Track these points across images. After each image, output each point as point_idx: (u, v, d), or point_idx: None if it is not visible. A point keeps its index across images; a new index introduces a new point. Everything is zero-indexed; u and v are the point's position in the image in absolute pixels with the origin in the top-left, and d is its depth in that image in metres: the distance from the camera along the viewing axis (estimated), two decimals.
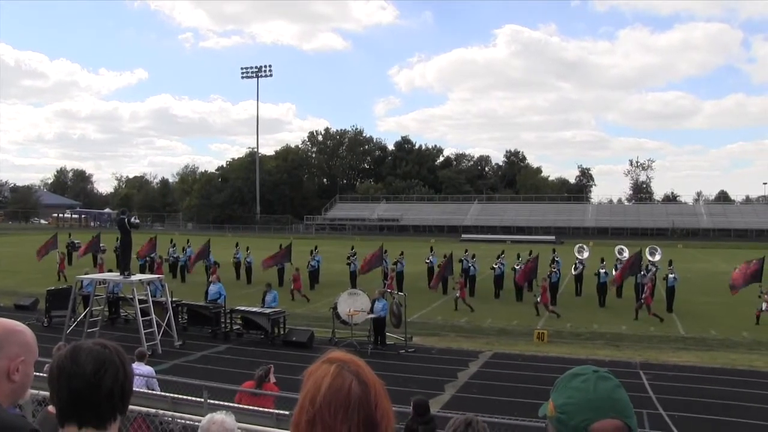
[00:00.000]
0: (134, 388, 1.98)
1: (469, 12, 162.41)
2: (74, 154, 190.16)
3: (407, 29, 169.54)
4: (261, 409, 8.74)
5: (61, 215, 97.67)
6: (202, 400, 8.68)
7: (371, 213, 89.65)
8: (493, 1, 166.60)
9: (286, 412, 8.29)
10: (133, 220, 18.20)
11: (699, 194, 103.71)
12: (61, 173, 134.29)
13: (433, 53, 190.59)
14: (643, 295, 22.08)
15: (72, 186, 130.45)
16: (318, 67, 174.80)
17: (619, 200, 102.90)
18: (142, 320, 16.53)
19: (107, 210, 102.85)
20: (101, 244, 34.97)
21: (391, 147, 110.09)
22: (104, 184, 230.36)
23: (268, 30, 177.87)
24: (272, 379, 9.69)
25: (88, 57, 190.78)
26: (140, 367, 10.17)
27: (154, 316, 16.95)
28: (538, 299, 22.37)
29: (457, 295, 23.64)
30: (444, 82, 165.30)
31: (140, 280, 18.01)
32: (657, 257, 26.91)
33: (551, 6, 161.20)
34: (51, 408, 1.92)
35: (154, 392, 9.73)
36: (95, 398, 1.76)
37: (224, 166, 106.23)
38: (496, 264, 28.06)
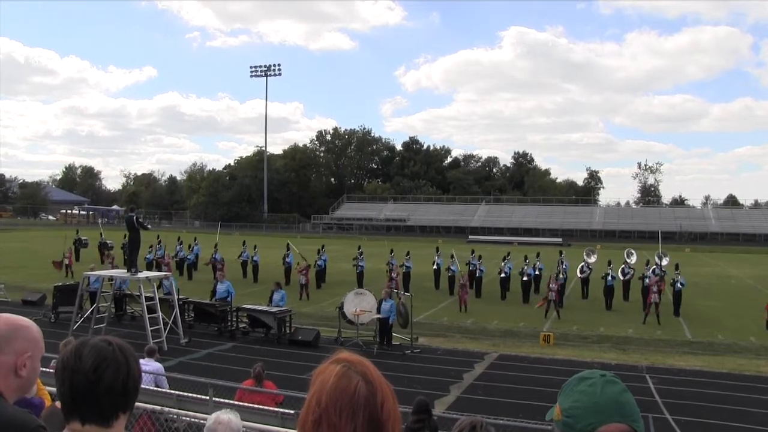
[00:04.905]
0: (142, 385, 1.98)
1: (475, 14, 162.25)
2: (82, 150, 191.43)
3: (414, 30, 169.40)
4: (266, 407, 8.77)
5: (69, 211, 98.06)
6: (208, 397, 8.72)
7: (378, 213, 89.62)
8: (500, 3, 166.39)
9: (291, 411, 8.32)
10: (144, 224, 18.42)
11: (707, 198, 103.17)
12: (69, 170, 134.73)
13: (439, 54, 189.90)
14: (653, 295, 21.89)
15: (80, 182, 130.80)
16: (325, 67, 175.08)
17: (627, 203, 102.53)
18: (149, 317, 16.59)
19: (115, 207, 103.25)
20: (108, 240, 35.20)
21: (399, 147, 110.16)
22: (112, 181, 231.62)
23: (275, 29, 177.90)
24: None
25: (97, 54, 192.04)
26: (149, 364, 10.16)
27: (160, 313, 17.00)
28: (552, 297, 22.29)
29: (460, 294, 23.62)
30: (450, 83, 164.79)
31: (147, 277, 18.09)
32: (664, 261, 26.80)
33: (558, 8, 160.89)
34: (59, 403, 1.92)
35: (159, 389, 9.76)
36: (94, 394, 1.76)
37: (232, 164, 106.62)
38: (503, 269, 27.86)
